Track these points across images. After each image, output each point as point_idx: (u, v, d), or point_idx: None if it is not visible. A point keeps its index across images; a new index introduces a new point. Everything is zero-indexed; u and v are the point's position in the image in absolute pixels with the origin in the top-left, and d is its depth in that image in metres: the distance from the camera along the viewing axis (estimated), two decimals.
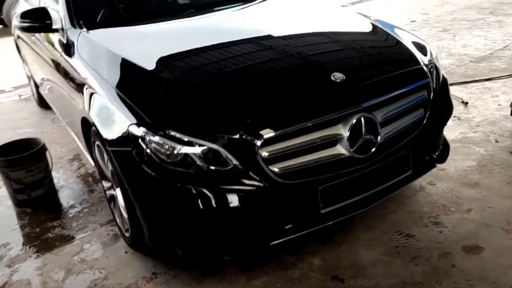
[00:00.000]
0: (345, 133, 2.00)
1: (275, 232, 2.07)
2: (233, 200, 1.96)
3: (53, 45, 3.07)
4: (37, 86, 4.63)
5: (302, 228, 2.08)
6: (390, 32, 2.67)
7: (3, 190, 3.20)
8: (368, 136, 2.04)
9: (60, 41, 2.87)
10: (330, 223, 2.10)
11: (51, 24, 2.82)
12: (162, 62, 2.36)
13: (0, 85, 6.03)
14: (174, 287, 2.24)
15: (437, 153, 2.50)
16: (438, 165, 2.60)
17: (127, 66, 2.33)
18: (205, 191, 1.95)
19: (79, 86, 2.52)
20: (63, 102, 3.11)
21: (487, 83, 4.30)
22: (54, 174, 3.27)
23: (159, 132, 1.94)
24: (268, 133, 1.90)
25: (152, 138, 1.95)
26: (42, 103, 4.84)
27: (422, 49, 2.54)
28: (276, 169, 1.94)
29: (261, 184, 1.93)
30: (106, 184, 2.63)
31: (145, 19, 2.83)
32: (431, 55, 2.52)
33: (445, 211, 2.58)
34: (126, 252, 2.52)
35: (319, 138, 1.98)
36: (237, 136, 1.91)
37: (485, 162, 3.00)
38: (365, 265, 2.25)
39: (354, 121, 2.00)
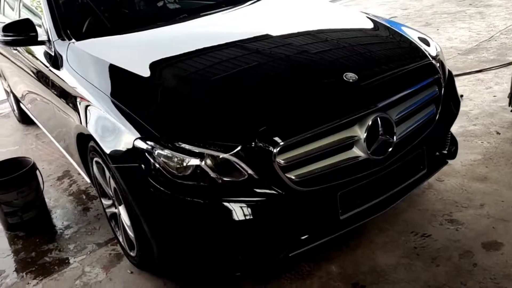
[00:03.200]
0: (362, 134, 1.92)
1: (293, 242, 1.97)
2: (248, 212, 1.84)
3: (37, 58, 2.91)
4: (18, 102, 4.43)
5: (321, 237, 1.99)
6: (395, 29, 2.61)
7: None
8: (384, 137, 1.97)
9: (46, 53, 2.72)
10: (350, 228, 2.02)
11: (36, 36, 2.67)
12: (164, 70, 2.24)
13: None
14: None
15: (447, 149, 2.44)
16: None
17: (126, 76, 2.21)
18: (218, 204, 1.83)
19: (72, 100, 2.38)
20: (51, 117, 2.95)
21: (479, 75, 4.29)
22: (44, 193, 3.10)
23: (168, 145, 1.82)
24: (284, 140, 1.80)
25: (160, 151, 1.83)
26: (24, 119, 4.65)
27: (428, 44, 2.48)
28: (293, 177, 1.84)
29: (278, 193, 1.83)
30: (106, 202, 2.49)
31: (137, 27, 2.70)
32: (436, 49, 2.46)
33: (457, 207, 2.52)
34: (131, 272, 2.38)
35: (335, 142, 1.90)
36: (251, 145, 1.80)
37: (490, 155, 2.97)
38: (386, 270, 2.17)
39: (370, 122, 1.92)
